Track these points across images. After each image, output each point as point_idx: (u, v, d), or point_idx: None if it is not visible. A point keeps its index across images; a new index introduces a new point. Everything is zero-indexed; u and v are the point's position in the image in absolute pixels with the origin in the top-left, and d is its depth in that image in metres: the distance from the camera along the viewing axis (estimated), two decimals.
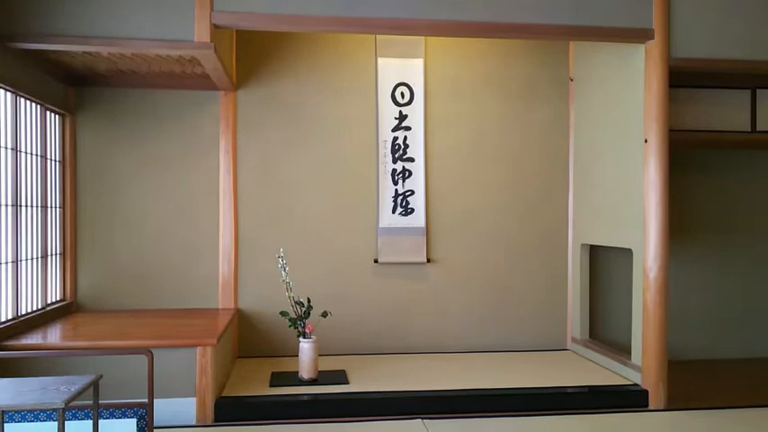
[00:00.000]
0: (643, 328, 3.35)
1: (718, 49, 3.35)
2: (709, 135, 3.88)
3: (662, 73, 3.30)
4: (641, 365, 3.38)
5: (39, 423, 2.34)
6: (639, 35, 3.31)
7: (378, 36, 4.06)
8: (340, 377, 3.46)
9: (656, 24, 3.30)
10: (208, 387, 3.03)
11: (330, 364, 3.70)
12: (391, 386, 3.33)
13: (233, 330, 3.86)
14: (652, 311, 3.30)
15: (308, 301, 3.44)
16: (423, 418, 3.08)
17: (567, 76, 4.31)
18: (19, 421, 2.32)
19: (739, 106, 3.87)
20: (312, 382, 3.35)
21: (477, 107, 4.25)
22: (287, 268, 3.45)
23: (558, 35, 3.34)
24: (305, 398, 3.17)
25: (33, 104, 3.40)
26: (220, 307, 3.96)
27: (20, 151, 3.23)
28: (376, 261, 4.11)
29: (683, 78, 3.65)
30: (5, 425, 2.22)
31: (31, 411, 2.29)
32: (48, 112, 3.59)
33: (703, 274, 4.43)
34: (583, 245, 4.17)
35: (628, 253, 3.63)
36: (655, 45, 3.30)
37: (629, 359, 3.52)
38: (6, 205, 3.10)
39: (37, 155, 3.46)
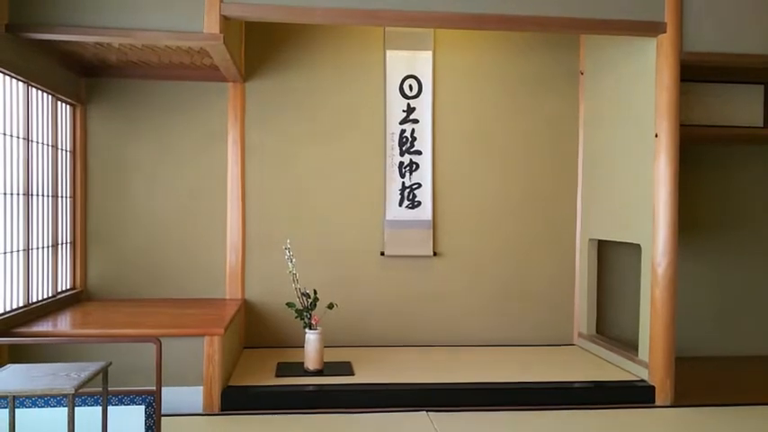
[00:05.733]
0: (651, 324, 3.33)
1: (730, 43, 3.30)
2: (720, 130, 3.84)
3: (673, 67, 3.26)
4: (648, 361, 3.36)
5: (49, 409, 2.36)
6: (651, 28, 3.27)
7: (386, 28, 4.05)
8: (345, 369, 3.48)
9: (669, 17, 3.26)
10: (215, 376, 3.06)
11: (336, 355, 3.71)
12: (396, 378, 3.34)
13: (240, 321, 3.89)
14: (660, 307, 3.28)
15: (315, 292, 3.45)
16: (428, 411, 3.08)
17: (578, 69, 4.27)
18: (30, 407, 2.35)
19: (751, 101, 3.82)
20: (318, 373, 3.37)
21: (485, 100, 4.23)
22: (293, 260, 3.47)
23: (568, 28, 3.32)
24: (310, 389, 3.19)
25: (45, 94, 3.43)
26: (228, 297, 3.99)
27: (31, 141, 3.26)
28: (382, 254, 4.11)
29: (695, 72, 3.60)
30: (16, 410, 2.25)
31: (41, 397, 2.31)
32: (59, 103, 3.62)
33: (713, 269, 4.39)
34: (591, 240, 4.14)
35: (636, 248, 3.60)
36: (666, 38, 3.26)
37: (636, 355, 3.51)
38: (18, 194, 3.14)
39: (48, 145, 3.50)
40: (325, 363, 3.44)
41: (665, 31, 3.26)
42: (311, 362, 3.39)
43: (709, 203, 4.38)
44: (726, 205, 4.40)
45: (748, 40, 3.31)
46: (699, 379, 3.75)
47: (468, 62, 4.21)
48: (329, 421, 2.95)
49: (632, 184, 3.56)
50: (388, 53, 4.10)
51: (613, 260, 4.26)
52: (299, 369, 3.43)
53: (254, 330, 4.03)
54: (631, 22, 3.26)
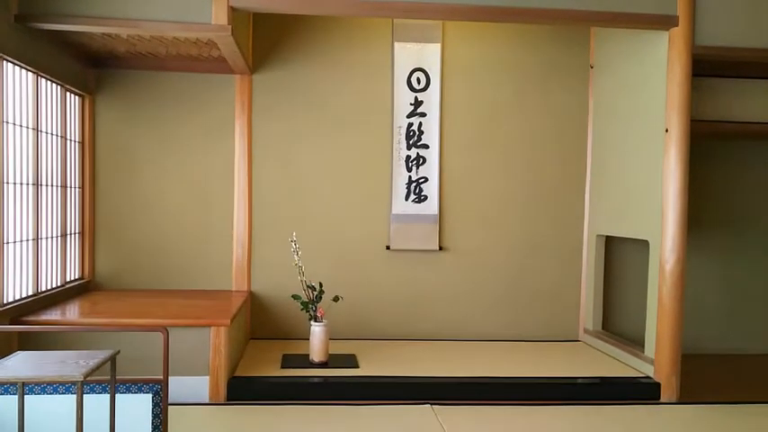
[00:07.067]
0: (657, 321, 3.32)
1: (743, 38, 3.26)
2: (731, 126, 3.79)
3: (685, 61, 3.22)
4: (654, 358, 3.35)
5: (58, 396, 2.38)
6: (663, 22, 3.23)
7: (395, 20, 4.03)
8: (350, 361, 3.49)
9: (681, 11, 3.22)
10: (221, 366, 3.08)
11: (340, 348, 3.73)
12: (401, 371, 3.35)
13: (246, 312, 3.91)
14: (667, 304, 3.26)
15: (320, 285, 3.46)
16: (432, 404, 3.09)
17: (588, 62, 4.23)
18: (39, 393, 2.38)
19: (764, 97, 3.76)
20: (322, 365, 3.39)
21: (493, 93, 4.20)
22: (299, 252, 3.48)
23: (579, 20, 3.29)
24: (315, 380, 3.21)
25: (54, 85, 3.45)
26: (234, 289, 4.01)
27: (40, 131, 3.28)
28: (388, 248, 4.11)
29: (707, 67, 3.55)
30: (25, 397, 2.28)
31: (50, 384, 2.34)
32: (68, 93, 3.64)
33: (721, 267, 4.35)
34: (598, 235, 4.12)
35: (644, 244, 3.58)
36: (678, 32, 3.22)
37: (642, 351, 3.49)
38: (27, 184, 3.17)
39: (57, 135, 3.52)
40: (330, 355, 3.45)
41: (677, 25, 3.22)
42: (316, 354, 3.41)
43: (719, 200, 4.33)
44: (736, 202, 4.35)
45: (762, 34, 3.26)
46: (705, 376, 3.73)
47: (476, 55, 4.18)
48: (333, 413, 2.97)
49: (641, 179, 3.53)
50: (397, 45, 4.08)
51: (620, 256, 4.24)
52: (304, 361, 3.45)
53: (260, 322, 4.06)
54: (643, 16, 3.21)
